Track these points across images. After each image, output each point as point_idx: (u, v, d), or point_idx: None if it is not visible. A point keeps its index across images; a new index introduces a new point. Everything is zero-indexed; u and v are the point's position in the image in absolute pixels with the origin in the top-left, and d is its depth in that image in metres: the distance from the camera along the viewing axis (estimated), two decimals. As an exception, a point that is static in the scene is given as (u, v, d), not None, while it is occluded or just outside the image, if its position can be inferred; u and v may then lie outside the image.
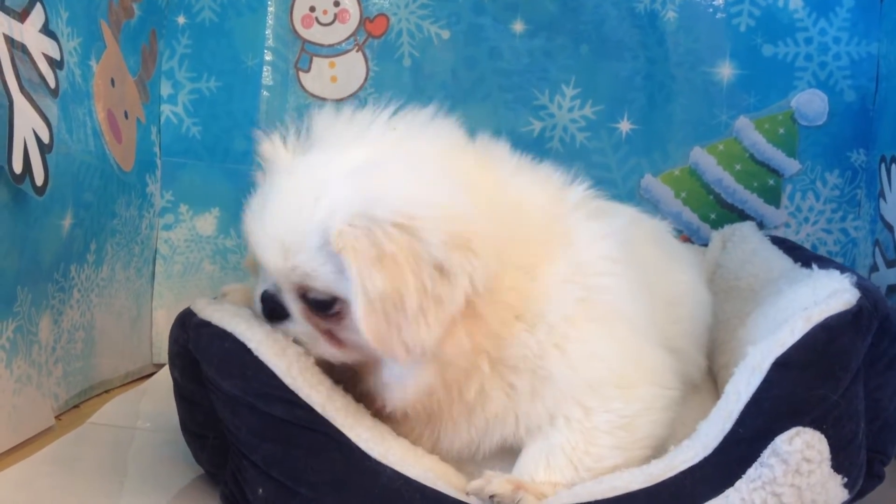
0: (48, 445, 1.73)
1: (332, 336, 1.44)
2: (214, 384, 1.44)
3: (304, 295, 1.41)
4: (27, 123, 1.63)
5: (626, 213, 1.77)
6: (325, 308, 1.40)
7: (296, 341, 1.45)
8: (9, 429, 1.66)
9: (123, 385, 2.23)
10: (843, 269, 1.54)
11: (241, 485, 1.43)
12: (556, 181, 1.58)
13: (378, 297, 1.28)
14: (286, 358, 1.42)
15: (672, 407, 1.49)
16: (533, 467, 1.43)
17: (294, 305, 1.44)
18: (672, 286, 1.77)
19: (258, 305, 1.49)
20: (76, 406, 1.98)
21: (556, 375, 1.42)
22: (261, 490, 1.40)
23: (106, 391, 2.14)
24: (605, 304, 1.46)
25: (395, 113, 1.50)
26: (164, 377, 2.26)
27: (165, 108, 2.44)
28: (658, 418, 1.46)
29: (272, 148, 1.54)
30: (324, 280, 1.36)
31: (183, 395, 1.53)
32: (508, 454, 1.48)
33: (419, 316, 1.28)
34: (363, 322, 1.30)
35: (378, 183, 1.35)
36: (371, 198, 1.32)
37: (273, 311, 1.46)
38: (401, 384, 1.40)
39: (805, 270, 1.68)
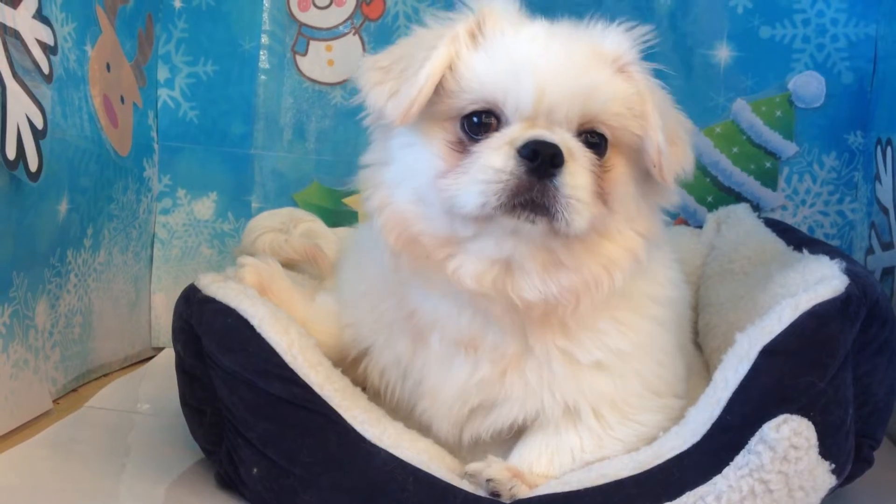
0: (46, 429, 1.74)
1: (597, 193, 1.37)
2: (214, 360, 1.45)
3: (586, 138, 1.38)
4: (20, 109, 1.63)
5: None
6: (602, 152, 1.38)
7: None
8: (6, 413, 1.67)
9: (122, 369, 2.25)
10: (833, 253, 1.54)
11: (237, 464, 1.44)
12: None
13: (662, 99, 1.43)
14: (288, 336, 1.44)
15: (679, 418, 1.46)
16: (535, 459, 1.44)
17: (579, 148, 1.35)
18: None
19: (514, 162, 1.31)
20: (74, 390, 2.00)
21: (624, 350, 1.45)
22: (255, 469, 1.41)
23: (105, 375, 2.15)
24: (676, 304, 1.54)
25: None
26: (164, 360, 2.30)
27: (162, 93, 2.44)
28: (668, 427, 1.44)
29: (485, 14, 1.44)
30: (616, 103, 1.38)
31: (184, 369, 1.54)
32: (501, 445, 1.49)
33: (682, 136, 1.45)
34: (659, 127, 1.38)
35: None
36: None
37: (556, 155, 1.30)
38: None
39: (796, 254, 1.69)
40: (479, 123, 1.36)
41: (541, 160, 1.29)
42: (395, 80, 1.40)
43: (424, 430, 1.51)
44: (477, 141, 1.35)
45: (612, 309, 1.44)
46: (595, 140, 1.38)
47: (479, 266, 1.37)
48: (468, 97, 1.37)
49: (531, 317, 1.40)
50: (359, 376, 1.58)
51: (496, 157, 1.31)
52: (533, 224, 1.31)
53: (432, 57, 1.36)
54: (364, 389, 1.55)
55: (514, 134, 1.33)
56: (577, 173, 1.32)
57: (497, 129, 1.35)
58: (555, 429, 1.44)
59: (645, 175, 1.43)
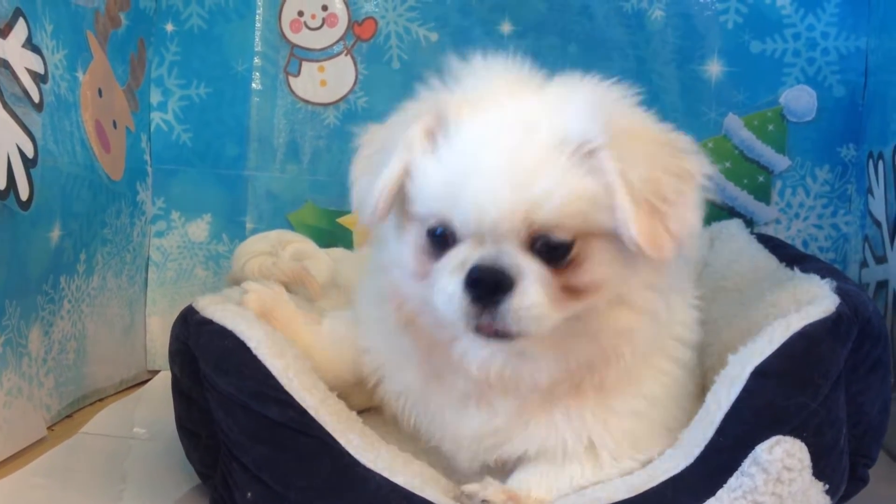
0: (41, 457, 1.74)
1: (567, 289, 1.29)
2: (210, 382, 1.45)
3: (541, 246, 1.27)
4: (10, 139, 1.64)
5: None
6: (564, 254, 1.28)
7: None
8: (0, 441, 1.66)
9: (117, 393, 2.24)
10: (824, 272, 1.53)
11: (231, 488, 1.43)
12: None
13: (640, 182, 1.23)
14: (284, 359, 1.44)
15: None
16: (535, 484, 1.41)
17: (527, 265, 1.26)
18: None
19: (461, 292, 1.26)
20: (69, 416, 1.99)
21: (658, 396, 1.43)
22: (249, 494, 1.40)
23: (100, 399, 2.15)
24: (698, 347, 1.51)
25: None
26: (159, 384, 2.29)
27: (155, 116, 2.44)
28: (666, 452, 1.42)
29: (446, 103, 1.35)
30: (573, 205, 1.25)
31: (181, 391, 1.54)
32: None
33: (678, 196, 1.27)
34: (632, 220, 1.23)
35: (600, 95, 1.35)
36: (604, 100, 1.33)
37: (500, 282, 1.24)
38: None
39: (788, 272, 1.68)
40: (440, 237, 1.31)
41: (483, 289, 1.24)
42: (370, 176, 1.36)
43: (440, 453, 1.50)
44: (440, 256, 1.31)
45: (648, 356, 1.42)
46: (556, 243, 1.27)
47: (485, 352, 1.35)
48: (423, 210, 1.32)
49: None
50: (377, 401, 1.58)
51: (449, 283, 1.27)
52: (498, 340, 1.29)
53: (389, 163, 1.32)
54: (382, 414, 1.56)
55: (464, 255, 1.28)
56: (527, 292, 1.24)
57: (454, 244, 1.30)
58: (562, 458, 1.42)
59: None
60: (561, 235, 1.26)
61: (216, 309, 1.51)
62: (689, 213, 1.28)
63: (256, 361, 1.42)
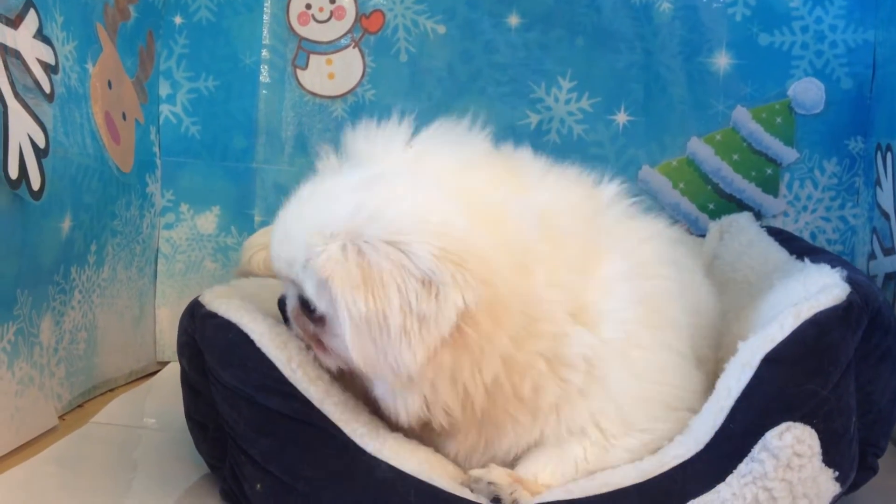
0: (52, 446, 1.74)
1: (318, 342, 1.43)
2: (215, 375, 1.45)
3: (300, 294, 1.40)
4: (22, 129, 1.64)
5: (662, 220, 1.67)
6: (312, 310, 1.38)
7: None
8: (12, 430, 1.67)
9: (127, 384, 2.25)
10: (834, 262, 1.53)
11: (240, 480, 1.44)
12: (587, 182, 1.56)
13: (362, 319, 1.26)
14: (287, 351, 1.44)
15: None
16: (540, 468, 1.43)
17: (290, 303, 1.45)
18: (699, 292, 1.69)
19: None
20: (80, 406, 2.00)
21: (612, 379, 1.40)
22: (259, 485, 1.41)
23: (110, 390, 2.16)
24: (663, 312, 1.45)
25: (432, 123, 1.49)
26: (169, 374, 2.30)
27: (164, 108, 2.45)
28: (675, 438, 1.42)
29: (322, 164, 1.54)
30: (305, 286, 1.36)
31: (189, 384, 1.55)
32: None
33: (402, 337, 1.25)
34: (351, 345, 1.29)
35: (375, 210, 1.32)
36: (363, 224, 1.30)
37: (282, 311, 1.49)
38: (391, 405, 1.39)
39: (798, 263, 1.68)
40: None
41: None
42: None
43: None
44: None
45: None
46: None
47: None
48: None
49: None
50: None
51: None
52: None
53: None
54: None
55: None
56: None
57: None
58: (559, 443, 1.43)
59: None
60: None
61: (221, 302, 1.52)
62: (409, 354, 1.28)
63: (260, 354, 1.43)
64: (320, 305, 1.35)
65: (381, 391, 1.39)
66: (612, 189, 1.56)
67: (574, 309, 1.40)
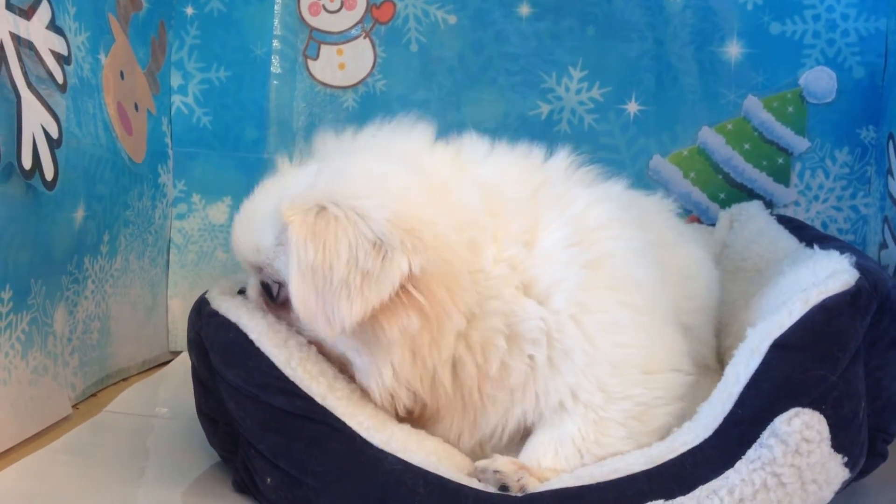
0: (66, 434, 1.75)
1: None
2: (220, 374, 1.46)
3: (262, 280, 1.49)
4: (35, 119, 1.66)
5: (621, 185, 1.68)
6: (274, 295, 1.48)
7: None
8: (26, 419, 1.69)
9: (140, 373, 2.26)
10: (843, 248, 1.53)
11: (252, 473, 1.45)
12: (535, 156, 1.58)
13: (309, 266, 1.32)
14: (286, 349, 1.45)
15: (686, 395, 1.47)
16: (541, 453, 1.44)
17: (251, 293, 1.53)
18: (684, 259, 1.74)
19: None
20: (93, 395, 2.02)
21: (574, 350, 1.41)
22: (269, 479, 1.42)
23: (123, 379, 2.17)
24: (614, 270, 1.44)
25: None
26: (181, 364, 2.31)
27: (176, 99, 2.46)
28: (673, 409, 1.44)
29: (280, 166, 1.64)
30: (274, 263, 1.43)
31: (199, 379, 1.56)
32: (517, 449, 1.49)
33: (342, 289, 1.30)
34: (293, 290, 1.34)
35: (337, 178, 1.40)
36: (326, 188, 1.38)
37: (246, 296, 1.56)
38: (364, 379, 1.43)
39: (808, 251, 1.68)
40: None
41: None
42: None
43: None
44: None
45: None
46: None
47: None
48: None
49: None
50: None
51: None
52: None
53: None
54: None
55: None
56: None
57: None
58: (556, 422, 1.44)
59: None
60: (267, 277, 1.50)
61: (222, 301, 1.53)
62: (347, 307, 1.32)
63: (259, 353, 1.43)
64: (278, 265, 1.42)
65: (357, 362, 1.43)
66: (561, 160, 1.57)
67: (523, 283, 1.42)
